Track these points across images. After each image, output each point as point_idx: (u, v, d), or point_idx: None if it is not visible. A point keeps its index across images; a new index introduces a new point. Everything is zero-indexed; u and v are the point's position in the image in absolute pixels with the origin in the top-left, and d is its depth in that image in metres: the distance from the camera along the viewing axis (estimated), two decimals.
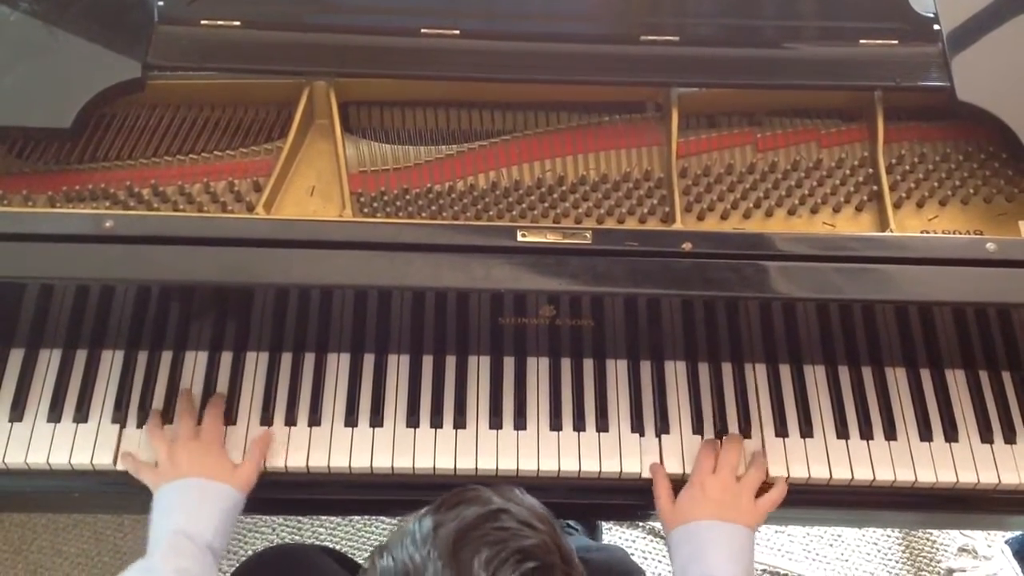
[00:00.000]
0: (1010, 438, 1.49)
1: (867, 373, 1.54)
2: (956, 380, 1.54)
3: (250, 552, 2.09)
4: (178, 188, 1.48)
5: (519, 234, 1.36)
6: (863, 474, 1.46)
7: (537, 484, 1.44)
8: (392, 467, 1.45)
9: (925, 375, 1.54)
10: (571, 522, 2.10)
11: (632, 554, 2.23)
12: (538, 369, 1.52)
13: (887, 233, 1.46)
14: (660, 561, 2.28)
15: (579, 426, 1.48)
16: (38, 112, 1.46)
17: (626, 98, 1.60)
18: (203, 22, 1.52)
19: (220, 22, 1.52)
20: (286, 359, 1.52)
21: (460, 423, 1.47)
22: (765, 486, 1.44)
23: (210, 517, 1.33)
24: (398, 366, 1.52)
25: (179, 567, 1.26)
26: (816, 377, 1.54)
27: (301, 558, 1.54)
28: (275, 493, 1.48)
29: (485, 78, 1.55)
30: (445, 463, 1.45)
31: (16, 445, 1.43)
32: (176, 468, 1.37)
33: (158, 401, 1.47)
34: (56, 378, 1.48)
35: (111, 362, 1.50)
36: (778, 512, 1.42)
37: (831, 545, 2.32)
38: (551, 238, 1.36)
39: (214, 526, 1.32)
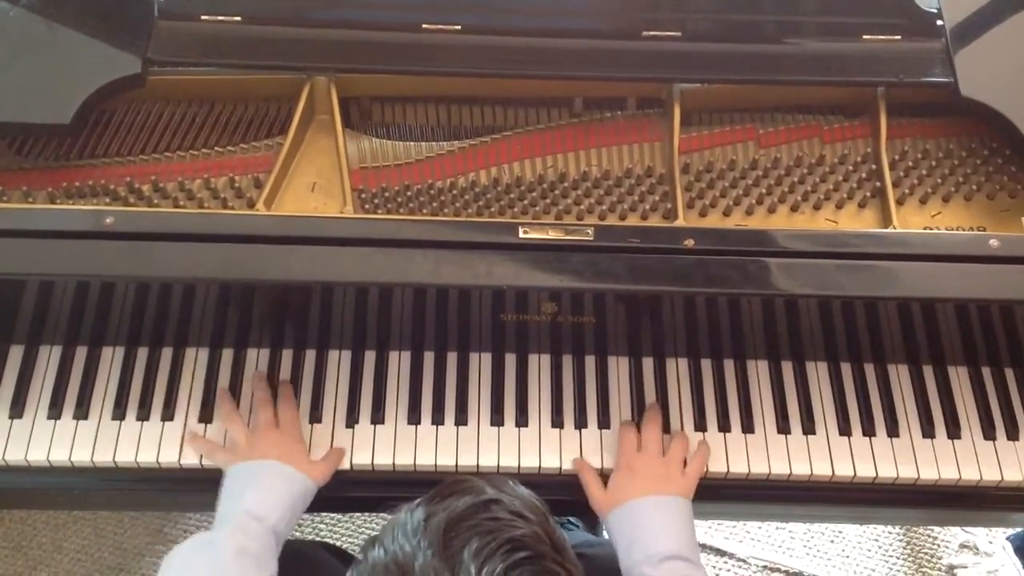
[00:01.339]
0: (1013, 435, 1.49)
1: (870, 370, 1.54)
2: (959, 377, 1.54)
3: None
4: (178, 184, 1.48)
5: (521, 231, 1.36)
6: (865, 471, 1.46)
7: (539, 481, 1.44)
8: (393, 464, 1.44)
9: (928, 372, 1.54)
10: (572, 518, 2.10)
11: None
12: (540, 366, 1.52)
13: (890, 230, 1.45)
14: None
15: (581, 423, 1.47)
16: (38, 108, 1.46)
17: (628, 94, 1.59)
18: (203, 17, 1.52)
19: (220, 17, 1.52)
20: (287, 356, 1.52)
21: (462, 420, 1.47)
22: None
23: (280, 501, 1.33)
24: (399, 363, 1.51)
25: (241, 546, 1.25)
26: (819, 374, 1.53)
27: (302, 555, 1.54)
28: None
29: (486, 74, 1.54)
30: (447, 460, 1.44)
31: (16, 442, 1.43)
32: (254, 451, 1.38)
33: (158, 399, 1.47)
34: (56, 375, 1.48)
35: (111, 359, 1.50)
36: (779, 508, 1.43)
37: (832, 541, 2.32)
38: (553, 235, 1.36)
39: (282, 510, 1.32)
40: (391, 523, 0.97)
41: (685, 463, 1.42)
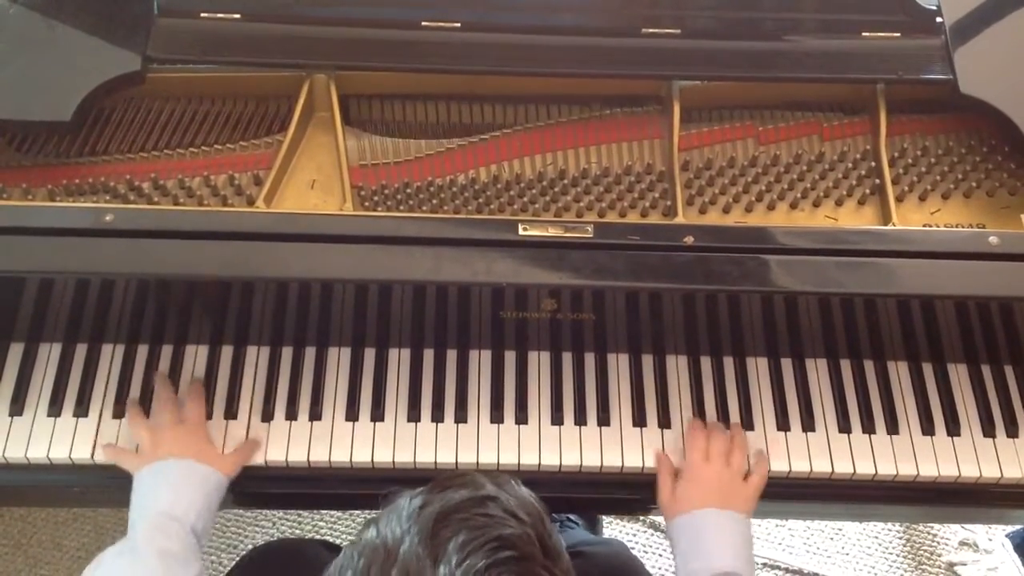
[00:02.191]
0: (1012, 432, 1.49)
1: (869, 367, 1.54)
2: (958, 374, 1.54)
3: (250, 546, 2.09)
4: (178, 182, 1.48)
5: (520, 228, 1.36)
6: (865, 468, 1.46)
7: (538, 478, 1.44)
8: (393, 461, 1.44)
9: (927, 369, 1.54)
10: (572, 516, 2.10)
11: (632, 547, 2.24)
12: (539, 363, 1.52)
13: (889, 227, 1.45)
14: (660, 555, 2.28)
15: (580, 420, 1.47)
16: (38, 105, 1.46)
17: (628, 91, 1.59)
18: (203, 15, 1.52)
19: (220, 15, 1.51)
20: (287, 353, 1.51)
21: (461, 417, 1.47)
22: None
23: (193, 498, 1.32)
24: (399, 360, 1.51)
25: (162, 548, 1.25)
26: (818, 371, 1.53)
27: (301, 552, 1.54)
28: (276, 487, 1.48)
29: (486, 71, 1.54)
30: (446, 457, 1.44)
31: (16, 439, 1.43)
32: (158, 452, 1.37)
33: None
34: (56, 372, 1.48)
35: (111, 356, 1.50)
36: (779, 506, 1.43)
37: (832, 539, 2.32)
38: (553, 232, 1.36)
39: (197, 508, 1.31)
40: (390, 507, 0.98)
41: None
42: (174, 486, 1.33)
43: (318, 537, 2.19)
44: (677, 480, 1.42)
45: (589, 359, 1.52)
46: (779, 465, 1.45)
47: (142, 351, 1.50)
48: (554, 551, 0.96)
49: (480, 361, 1.52)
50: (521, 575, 0.91)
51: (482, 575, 0.88)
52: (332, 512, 2.28)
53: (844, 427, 1.49)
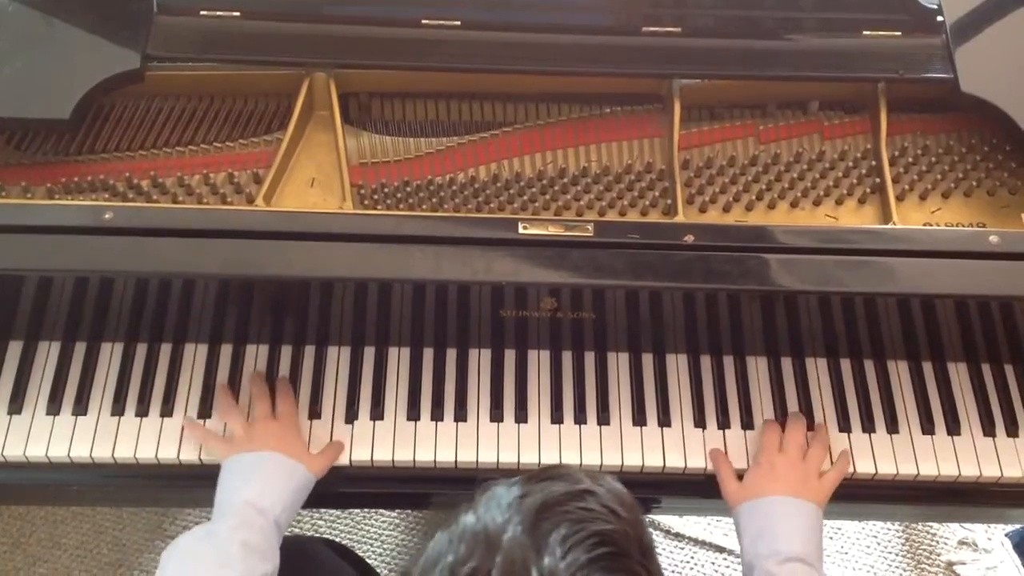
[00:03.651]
0: (1012, 431, 1.49)
1: (869, 366, 1.54)
2: (958, 373, 1.54)
3: None
4: (177, 180, 1.47)
5: (520, 226, 1.36)
6: (865, 467, 1.46)
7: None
8: (393, 460, 1.44)
9: (927, 368, 1.54)
10: None
11: None
12: (539, 362, 1.52)
13: (890, 226, 1.45)
14: (659, 553, 2.28)
15: (580, 419, 1.47)
16: (37, 103, 1.45)
17: (628, 90, 1.59)
18: (202, 12, 1.51)
19: (219, 12, 1.51)
20: (286, 352, 1.51)
21: (461, 416, 1.47)
22: None
23: (281, 493, 1.33)
24: (399, 359, 1.51)
25: (246, 540, 1.26)
26: (818, 370, 1.54)
27: (301, 550, 1.54)
28: None
29: (486, 69, 1.54)
30: (446, 456, 1.44)
31: (15, 438, 1.43)
32: (252, 443, 1.38)
33: (157, 394, 1.47)
34: (55, 370, 1.48)
35: (110, 354, 1.50)
36: None
37: (831, 538, 2.32)
38: (552, 230, 1.36)
39: (284, 503, 1.33)
40: (487, 494, 0.98)
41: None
42: (265, 479, 1.34)
43: (318, 535, 2.19)
44: (750, 468, 1.42)
45: (589, 358, 1.52)
46: None
47: (141, 349, 1.50)
48: (648, 548, 0.98)
49: (480, 360, 1.52)
50: (620, 571, 0.91)
51: (584, 569, 0.89)
52: (331, 511, 2.28)
53: (844, 426, 1.49)
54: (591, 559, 0.90)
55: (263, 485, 1.33)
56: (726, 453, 1.46)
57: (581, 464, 1.44)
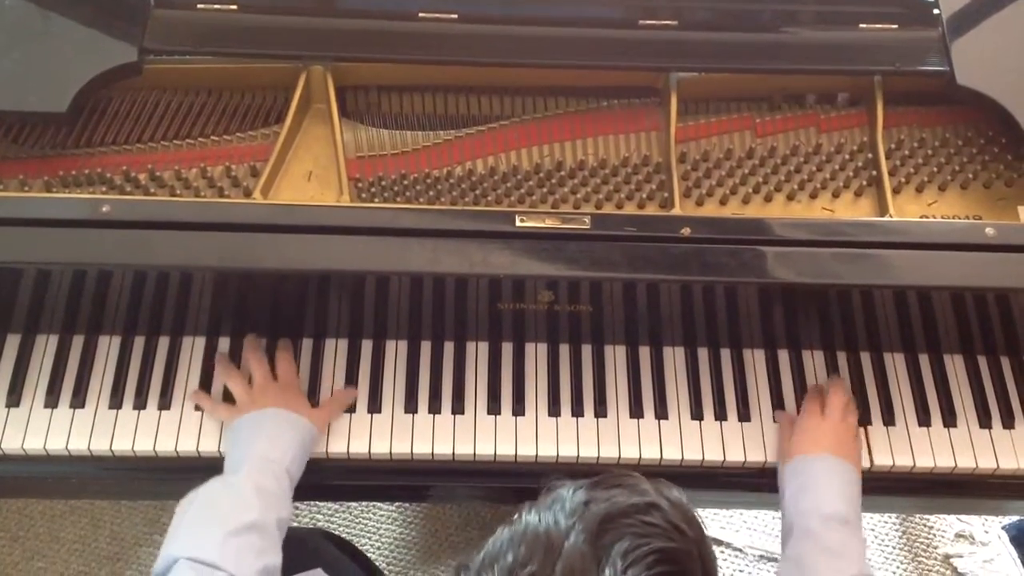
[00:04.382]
0: (1008, 423, 1.50)
1: (866, 359, 1.54)
2: (955, 365, 1.54)
3: None
4: (175, 173, 1.48)
5: (517, 219, 1.36)
6: (861, 460, 1.46)
7: (535, 469, 1.44)
8: (390, 453, 1.45)
9: (924, 360, 1.54)
10: None
11: None
12: (536, 355, 1.52)
13: (886, 218, 1.45)
14: None
15: (577, 412, 1.48)
16: (34, 96, 1.45)
17: (625, 83, 1.59)
18: (200, 6, 1.51)
19: (217, 6, 1.51)
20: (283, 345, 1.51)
21: (458, 409, 1.47)
22: None
23: (289, 445, 1.35)
24: (396, 352, 1.51)
25: (259, 484, 1.28)
26: (815, 363, 1.54)
27: (302, 542, 1.54)
28: None
29: (483, 62, 1.54)
30: (443, 449, 1.45)
31: (13, 431, 1.43)
32: (255, 404, 1.40)
33: (155, 387, 1.47)
34: (53, 363, 1.48)
35: (108, 347, 1.50)
36: (776, 497, 1.43)
37: None
38: (549, 223, 1.36)
39: (292, 453, 1.35)
40: (551, 496, 0.98)
41: None
42: (271, 433, 1.36)
43: (317, 528, 2.19)
44: (795, 432, 1.44)
45: (586, 351, 1.52)
46: (776, 457, 1.46)
47: (139, 342, 1.50)
48: (712, 568, 0.97)
49: (477, 353, 1.52)
50: None
51: None
52: (330, 504, 2.28)
53: None
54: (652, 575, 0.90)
55: (270, 438, 1.35)
56: (723, 446, 1.46)
57: (578, 457, 1.45)
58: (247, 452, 1.33)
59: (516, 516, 0.98)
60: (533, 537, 0.93)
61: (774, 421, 1.49)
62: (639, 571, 0.89)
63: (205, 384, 1.48)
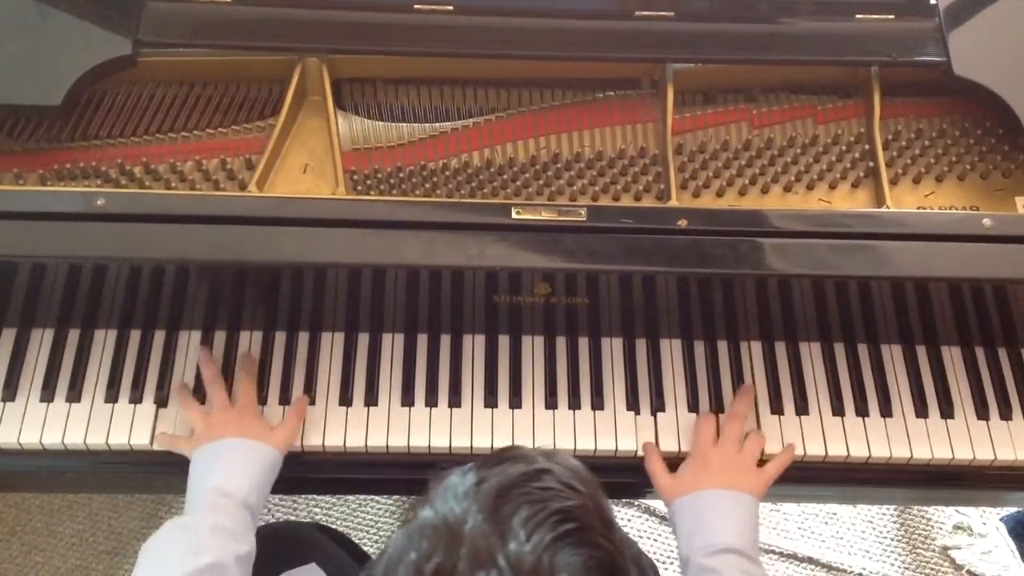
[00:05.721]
0: (1006, 414, 1.49)
1: (863, 350, 1.54)
2: (952, 356, 1.54)
3: None
4: (170, 166, 1.47)
5: (514, 211, 1.35)
6: (859, 451, 1.46)
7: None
8: (387, 446, 1.44)
9: (921, 352, 1.54)
10: None
11: (627, 532, 2.24)
12: (533, 348, 1.52)
13: (883, 209, 1.45)
14: (655, 539, 2.29)
15: (574, 404, 1.47)
16: (28, 89, 1.45)
17: (621, 74, 1.58)
18: None
19: None
20: (280, 338, 1.51)
21: (455, 402, 1.47)
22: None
23: (246, 474, 1.33)
24: (392, 345, 1.51)
25: (216, 523, 1.26)
26: (812, 354, 1.53)
27: (297, 536, 1.54)
28: None
29: (479, 54, 1.54)
30: (440, 442, 1.44)
31: (9, 425, 1.43)
32: (212, 433, 1.38)
33: (151, 381, 1.47)
34: (48, 358, 1.48)
35: (104, 341, 1.49)
36: (773, 489, 1.42)
37: (826, 523, 2.33)
38: (546, 215, 1.36)
39: (250, 483, 1.33)
40: (442, 485, 0.98)
41: (762, 462, 1.43)
42: (227, 463, 1.34)
43: (313, 521, 2.19)
44: (685, 461, 1.42)
45: (583, 343, 1.52)
46: (773, 448, 1.45)
47: (135, 336, 1.50)
48: (610, 521, 0.97)
49: (474, 345, 1.52)
50: (584, 545, 0.91)
51: (549, 548, 0.88)
52: (327, 497, 2.28)
53: (838, 410, 1.49)
54: (556, 537, 0.89)
55: (226, 470, 1.33)
56: None
57: (575, 449, 1.44)
58: (203, 487, 1.31)
59: (410, 514, 0.98)
60: (432, 529, 0.92)
61: (771, 413, 1.48)
62: (543, 534, 0.89)
63: (200, 382, 1.47)
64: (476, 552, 0.88)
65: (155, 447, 1.43)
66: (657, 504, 2.29)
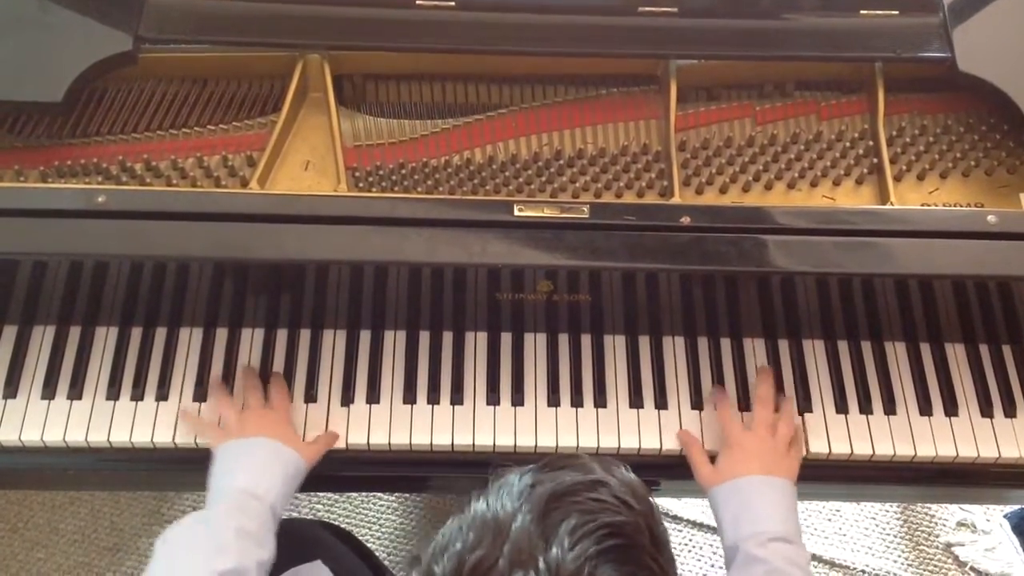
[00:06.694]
0: (1010, 412, 1.49)
1: (866, 348, 1.53)
2: (956, 354, 1.53)
3: None
4: (171, 163, 1.47)
5: (516, 208, 1.35)
6: (862, 449, 1.46)
7: (534, 460, 1.43)
8: (389, 444, 1.44)
9: (925, 349, 1.53)
10: None
11: None
12: (535, 345, 1.51)
13: (887, 206, 1.45)
14: None
15: (577, 402, 1.47)
16: (29, 86, 1.44)
17: (624, 71, 1.58)
18: None
19: None
20: (281, 336, 1.51)
21: (457, 400, 1.47)
22: None
23: (274, 479, 1.33)
24: (394, 342, 1.51)
25: (241, 526, 1.25)
26: (815, 352, 1.53)
27: (300, 533, 1.54)
28: None
29: (481, 51, 1.53)
30: (443, 440, 1.44)
31: (10, 422, 1.43)
32: (244, 430, 1.38)
33: (153, 378, 1.46)
34: (50, 355, 1.47)
35: (105, 339, 1.49)
36: None
37: (829, 520, 2.32)
38: (548, 212, 1.35)
39: (278, 488, 1.32)
40: (498, 481, 0.99)
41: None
42: (259, 465, 1.33)
43: (316, 519, 2.19)
44: (721, 451, 1.41)
45: (586, 341, 1.52)
46: None
47: (136, 333, 1.50)
48: (661, 540, 0.97)
49: (476, 343, 1.51)
50: (630, 564, 0.91)
51: (592, 560, 0.89)
52: (329, 494, 2.28)
53: (841, 408, 1.48)
54: (600, 551, 0.90)
55: (258, 471, 1.32)
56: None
57: (578, 447, 1.44)
58: (231, 483, 1.30)
59: (466, 505, 0.99)
60: (481, 523, 0.93)
61: (775, 411, 1.47)
62: (587, 546, 0.89)
63: (202, 379, 1.47)
64: (518, 551, 0.89)
65: (180, 423, 1.43)
66: (662, 502, 2.29)
